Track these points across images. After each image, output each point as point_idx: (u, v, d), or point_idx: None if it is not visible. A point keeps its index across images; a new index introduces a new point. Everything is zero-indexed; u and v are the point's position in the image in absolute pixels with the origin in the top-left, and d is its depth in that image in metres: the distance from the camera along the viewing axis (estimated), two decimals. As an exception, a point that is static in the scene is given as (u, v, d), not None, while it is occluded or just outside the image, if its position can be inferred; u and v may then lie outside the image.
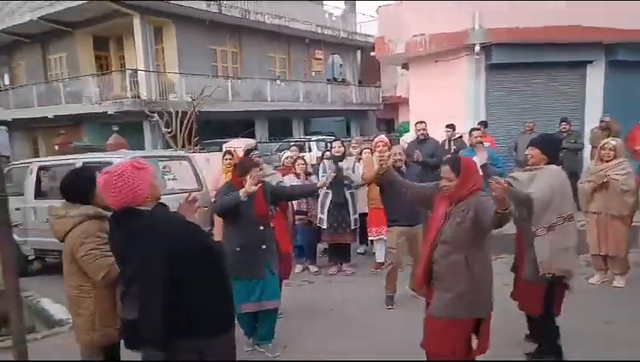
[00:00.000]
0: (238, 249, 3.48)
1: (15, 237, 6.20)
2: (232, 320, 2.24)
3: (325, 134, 18.06)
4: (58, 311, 4.49)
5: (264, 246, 3.54)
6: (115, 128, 13.21)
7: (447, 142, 7.79)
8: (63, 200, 2.58)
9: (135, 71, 15.36)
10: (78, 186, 2.53)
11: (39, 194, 6.09)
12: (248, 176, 3.40)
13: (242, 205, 3.45)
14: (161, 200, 2.20)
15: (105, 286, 2.45)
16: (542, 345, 3.39)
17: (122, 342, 2.23)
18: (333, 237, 5.90)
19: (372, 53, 10.76)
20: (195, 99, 13.01)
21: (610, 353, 3.40)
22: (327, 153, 6.47)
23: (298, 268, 6.15)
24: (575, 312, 3.65)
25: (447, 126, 7.82)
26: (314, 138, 15.89)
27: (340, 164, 5.87)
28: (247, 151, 5.00)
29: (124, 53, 17.71)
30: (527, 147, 3.54)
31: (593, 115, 8.63)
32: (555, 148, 3.57)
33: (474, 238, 2.58)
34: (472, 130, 6.24)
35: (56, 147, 14.15)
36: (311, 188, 4.52)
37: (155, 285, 1.95)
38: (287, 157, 6.33)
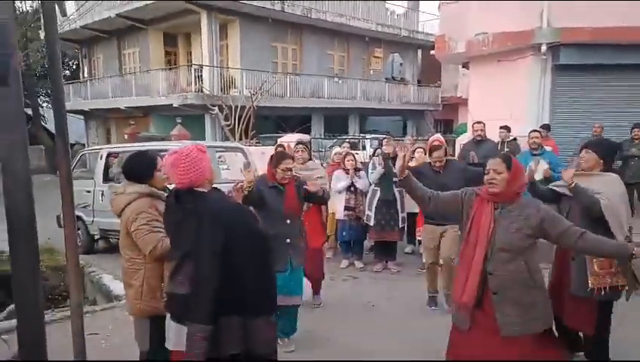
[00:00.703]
0: None
1: (84, 217, 6.76)
2: (274, 302, 2.33)
3: (381, 133, 17.98)
4: (117, 287, 4.82)
5: (288, 241, 3.57)
6: (179, 120, 13.91)
7: (500, 143, 7.53)
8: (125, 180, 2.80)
9: (200, 66, 16.05)
10: (138, 167, 2.74)
11: (107, 178, 6.57)
12: (279, 168, 3.52)
13: (270, 198, 3.52)
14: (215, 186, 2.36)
15: (153, 260, 2.62)
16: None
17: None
18: (380, 235, 5.89)
19: (432, 52, 10.57)
20: (253, 94, 13.39)
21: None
22: (378, 150, 6.45)
23: (344, 263, 6.21)
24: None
25: (502, 127, 7.54)
26: (368, 136, 15.88)
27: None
28: (296, 144, 5.09)
29: (192, 49, 18.54)
30: (582, 149, 3.29)
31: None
32: (612, 152, 3.32)
33: (531, 245, 2.43)
34: (531, 132, 5.99)
35: (126, 136, 15.13)
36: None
37: (210, 263, 2.09)
38: (336, 153, 6.38)
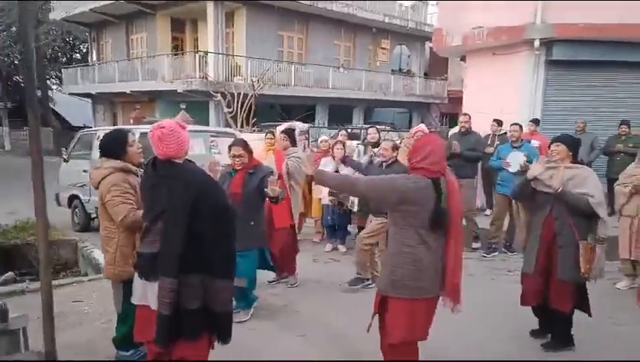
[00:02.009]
0: None
1: (81, 196, 7.04)
2: (232, 269, 2.55)
3: (386, 125, 18.07)
4: (106, 260, 5.09)
5: None
6: (183, 106, 14.16)
7: (491, 136, 7.66)
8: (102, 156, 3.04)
9: (205, 53, 16.24)
10: (111, 144, 2.99)
11: (103, 158, 6.83)
12: (229, 154, 3.80)
13: (223, 183, 3.74)
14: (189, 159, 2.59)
15: (124, 229, 2.88)
16: (555, 336, 3.54)
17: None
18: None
19: (430, 45, 10.65)
20: (255, 82, 13.56)
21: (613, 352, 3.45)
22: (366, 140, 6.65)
23: (328, 246, 6.46)
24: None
25: (494, 120, 7.67)
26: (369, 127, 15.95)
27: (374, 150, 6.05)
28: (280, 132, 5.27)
29: (198, 36, 18.73)
30: (551, 143, 3.61)
31: (664, 121, 8.05)
32: (577, 146, 3.63)
33: (395, 218, 2.72)
34: (512, 125, 6.14)
35: (131, 120, 15.43)
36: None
37: (179, 223, 2.34)
38: (322, 141, 6.57)
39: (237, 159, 3.82)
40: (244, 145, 3.91)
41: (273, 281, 4.91)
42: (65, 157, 7.46)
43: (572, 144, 3.55)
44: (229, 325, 2.49)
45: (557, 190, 3.35)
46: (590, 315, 3.49)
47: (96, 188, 2.97)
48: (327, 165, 6.29)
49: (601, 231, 3.32)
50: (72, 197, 7.19)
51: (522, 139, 6.25)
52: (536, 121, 7.94)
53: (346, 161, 6.16)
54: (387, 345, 2.72)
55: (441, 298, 2.69)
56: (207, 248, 2.38)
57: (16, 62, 25.17)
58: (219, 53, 16.28)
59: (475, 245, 6.49)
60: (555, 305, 3.43)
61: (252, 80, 13.57)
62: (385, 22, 20.61)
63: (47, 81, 26.53)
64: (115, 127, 9.17)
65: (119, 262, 2.92)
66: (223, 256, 2.45)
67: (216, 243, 2.41)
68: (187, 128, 2.54)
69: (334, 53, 20.19)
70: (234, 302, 4.02)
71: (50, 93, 25.61)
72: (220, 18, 16.43)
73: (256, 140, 7.73)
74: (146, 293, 2.44)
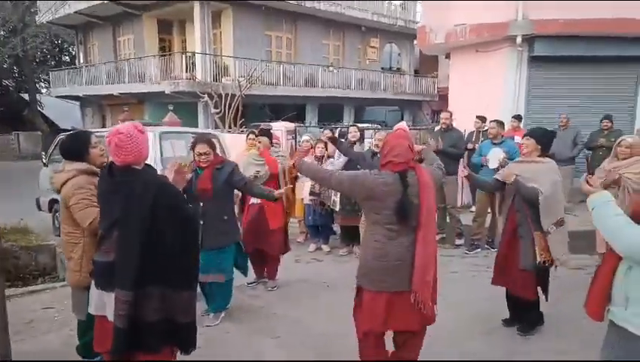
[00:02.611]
0: None
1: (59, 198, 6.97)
2: (195, 280, 2.51)
3: (378, 123, 18.06)
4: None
5: (201, 222, 3.64)
6: (171, 107, 14.07)
7: (475, 133, 7.66)
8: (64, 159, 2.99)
9: (192, 54, 16.16)
10: (73, 146, 2.93)
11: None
12: (194, 152, 3.81)
13: (190, 182, 3.67)
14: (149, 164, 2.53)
15: (91, 234, 2.80)
16: (525, 320, 3.73)
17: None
18: (346, 219, 6.07)
19: (415, 42, 10.65)
20: (241, 82, 13.51)
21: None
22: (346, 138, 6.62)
23: (311, 246, 6.42)
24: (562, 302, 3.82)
25: (477, 117, 7.68)
26: (361, 125, 15.93)
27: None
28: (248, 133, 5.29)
29: (186, 37, 18.63)
30: (523, 137, 3.80)
31: (646, 115, 8.11)
32: (549, 140, 3.70)
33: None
34: (491, 122, 6.15)
35: (119, 122, 15.35)
36: (267, 195, 4.06)
37: (134, 233, 2.25)
38: (303, 141, 6.54)
39: (202, 157, 3.78)
40: (209, 142, 3.89)
41: (253, 283, 4.88)
42: (44, 161, 7.38)
43: (541, 137, 3.63)
44: (193, 335, 2.44)
45: (510, 179, 3.58)
46: (547, 299, 3.69)
47: (59, 191, 2.91)
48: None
49: (545, 225, 3.45)
50: (53, 202, 7.11)
51: (503, 136, 6.25)
52: (518, 117, 7.95)
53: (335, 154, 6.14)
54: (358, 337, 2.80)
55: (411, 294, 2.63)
56: (167, 259, 2.30)
57: (4, 65, 25.02)
58: (206, 54, 16.20)
59: (458, 242, 6.49)
60: (518, 292, 3.65)
61: (238, 80, 13.51)
62: (374, 20, 20.60)
63: (37, 85, 26.36)
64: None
65: (85, 268, 2.85)
66: (185, 267, 2.38)
67: (177, 253, 2.33)
68: (145, 131, 2.48)
69: (323, 52, 20.16)
70: (205, 306, 4.04)
71: (38, 96, 25.38)
72: (207, 18, 16.35)
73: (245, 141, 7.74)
74: (104, 303, 2.40)
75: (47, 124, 24.40)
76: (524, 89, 8.57)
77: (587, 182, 2.16)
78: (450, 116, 6.68)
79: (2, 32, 24.44)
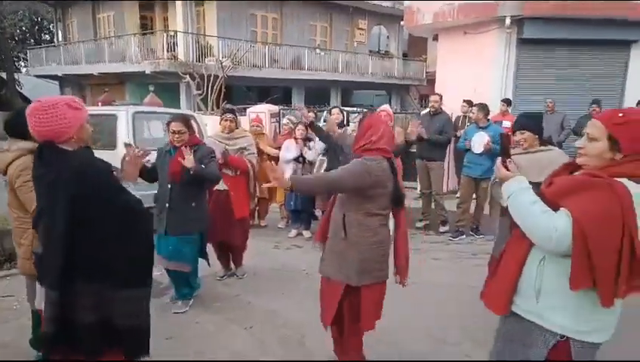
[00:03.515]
0: (155, 202, 3.70)
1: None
2: (143, 276, 2.19)
3: (365, 107, 17.81)
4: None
5: (167, 205, 3.57)
6: (151, 88, 13.65)
7: (462, 118, 7.50)
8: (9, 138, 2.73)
9: (175, 33, 15.67)
10: (18, 124, 2.65)
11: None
12: (169, 130, 3.59)
13: (162, 160, 3.57)
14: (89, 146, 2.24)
15: None
16: None
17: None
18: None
19: (401, 23, 10.38)
20: (226, 63, 13.16)
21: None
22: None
23: (292, 232, 6.24)
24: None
25: (465, 101, 7.50)
26: (347, 109, 15.71)
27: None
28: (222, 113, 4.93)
29: (168, 15, 18.07)
30: (515, 132, 3.42)
31: (634, 99, 7.97)
32: (539, 123, 3.42)
33: (349, 198, 2.57)
34: (474, 105, 5.98)
35: (99, 104, 14.87)
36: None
37: (59, 225, 1.97)
38: (286, 123, 6.31)
39: (177, 135, 3.55)
40: (185, 121, 3.66)
41: (224, 276, 4.59)
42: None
43: (535, 126, 3.34)
44: (142, 340, 2.18)
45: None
46: None
47: (4, 173, 2.66)
48: (290, 148, 6.06)
49: None
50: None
51: (489, 120, 6.08)
52: (507, 101, 7.79)
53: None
54: (353, 333, 2.67)
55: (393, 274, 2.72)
56: (100, 253, 2.02)
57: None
58: (188, 33, 15.73)
59: (442, 229, 6.36)
60: None
61: (220, 61, 13.13)
62: (362, 1, 20.18)
63: (16, 64, 25.52)
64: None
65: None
66: (129, 262, 2.09)
67: (113, 247, 2.05)
68: (82, 108, 2.16)
69: (310, 34, 19.74)
70: (174, 293, 3.86)
71: (17, 75, 24.57)
72: (190, -4, 15.86)
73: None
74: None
75: (26, 105, 23.65)
76: (513, 72, 8.38)
77: (504, 166, 1.88)
78: (440, 99, 6.47)
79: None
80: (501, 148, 1.98)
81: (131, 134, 5.81)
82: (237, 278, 4.57)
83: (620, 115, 1.65)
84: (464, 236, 6.09)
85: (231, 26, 16.54)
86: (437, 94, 6.69)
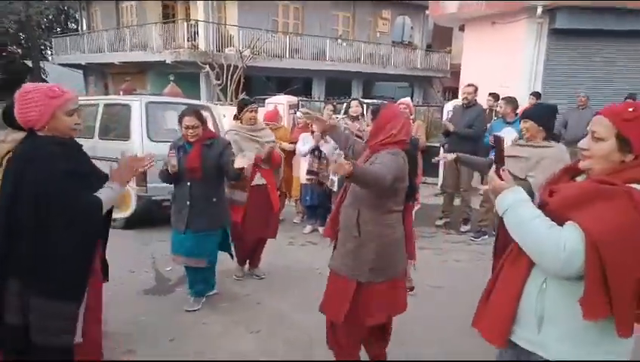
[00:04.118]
0: (173, 200, 3.58)
1: None
2: (73, 288, 1.98)
3: (387, 99, 17.48)
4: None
5: (188, 203, 3.44)
6: (172, 78, 13.61)
7: (487, 111, 7.16)
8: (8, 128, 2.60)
9: (196, 22, 15.58)
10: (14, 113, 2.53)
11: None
12: (182, 125, 3.45)
13: (179, 156, 3.43)
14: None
15: None
16: None
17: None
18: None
19: (426, 12, 10.02)
20: (245, 53, 13.00)
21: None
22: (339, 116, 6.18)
23: (307, 228, 6.07)
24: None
25: (490, 94, 7.16)
26: (367, 101, 15.42)
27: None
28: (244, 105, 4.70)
29: (190, 4, 17.99)
30: (521, 120, 3.26)
31: (673, 95, 7.51)
32: (550, 117, 3.13)
33: (368, 195, 2.41)
34: (502, 99, 5.65)
35: (121, 93, 14.93)
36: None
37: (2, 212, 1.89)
38: (300, 117, 6.10)
39: (191, 130, 3.40)
40: (198, 114, 3.50)
41: (243, 276, 4.39)
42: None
43: (541, 117, 3.05)
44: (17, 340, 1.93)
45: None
46: None
47: (0, 165, 2.54)
48: (306, 141, 5.86)
49: None
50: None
51: (517, 114, 5.75)
52: (536, 95, 7.43)
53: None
54: (365, 326, 2.55)
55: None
56: (26, 247, 1.87)
57: (10, 31, 24.52)
58: (209, 22, 15.62)
59: (463, 228, 6.10)
60: None
61: (239, 51, 12.97)
62: (385, -10, 19.76)
63: (42, 52, 25.90)
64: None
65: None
66: (61, 270, 1.90)
67: (52, 251, 1.89)
68: (60, 98, 2.00)
69: (332, 23, 19.43)
70: (187, 289, 3.73)
71: (42, 63, 24.95)
72: (211, -15, 15.73)
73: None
74: None
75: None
76: (543, 64, 7.98)
77: (498, 174, 1.60)
78: (474, 91, 6.12)
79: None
80: (495, 153, 1.73)
81: (144, 124, 5.68)
82: (256, 279, 4.36)
83: (631, 109, 1.39)
84: (487, 236, 5.80)
85: (252, 16, 16.37)
86: (472, 85, 6.33)
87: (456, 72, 21.41)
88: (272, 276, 4.45)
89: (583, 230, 1.32)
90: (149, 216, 5.76)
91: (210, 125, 6.52)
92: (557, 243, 1.35)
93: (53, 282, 1.90)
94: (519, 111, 5.93)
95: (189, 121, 3.40)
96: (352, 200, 2.46)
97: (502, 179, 1.58)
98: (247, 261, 4.45)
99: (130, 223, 5.64)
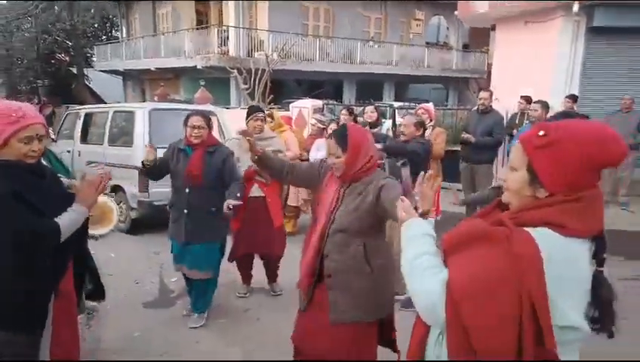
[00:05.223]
0: (170, 207, 3.45)
1: (63, 179, 6.79)
2: (23, 321, 1.85)
3: (421, 101, 17.02)
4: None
5: (185, 211, 3.31)
6: (202, 83, 13.79)
7: (519, 115, 6.77)
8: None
9: (226, 27, 15.74)
10: None
11: (85, 138, 6.53)
12: (187, 126, 3.35)
13: (176, 162, 3.32)
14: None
15: None
16: None
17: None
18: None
19: (455, 13, 9.65)
20: (272, 57, 12.99)
21: None
22: (360, 119, 5.96)
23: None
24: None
25: (522, 97, 6.77)
26: (396, 104, 15.05)
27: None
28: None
29: (222, 10, 18.22)
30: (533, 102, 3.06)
31: None
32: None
33: (372, 225, 2.17)
34: (534, 102, 5.30)
35: (155, 98, 15.27)
36: (237, 193, 3.30)
37: None
38: (314, 123, 5.94)
39: (196, 131, 3.28)
40: (205, 116, 3.40)
41: (245, 294, 4.15)
42: (53, 137, 7.21)
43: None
44: None
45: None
46: None
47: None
48: (321, 148, 5.68)
49: None
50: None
51: (547, 119, 5.37)
52: (573, 97, 6.95)
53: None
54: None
55: None
56: None
57: (58, 39, 25.67)
58: (238, 27, 15.73)
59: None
60: None
61: (266, 55, 12.96)
62: (419, -10, 19.32)
63: (88, 59, 26.96)
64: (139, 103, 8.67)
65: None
66: (12, 300, 1.80)
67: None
68: (16, 123, 1.83)
69: (363, 25, 19.17)
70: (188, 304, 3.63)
71: (86, 70, 25.97)
72: (242, -10, 15.85)
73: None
74: None
75: (94, 98, 25.01)
76: (580, 65, 7.47)
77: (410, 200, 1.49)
78: (490, 96, 5.86)
79: (56, 8, 25.01)
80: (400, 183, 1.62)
81: (147, 131, 5.77)
82: (274, 295, 4.18)
83: (541, 133, 1.13)
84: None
85: (283, 20, 16.36)
86: (488, 90, 6.12)
87: (494, 73, 20.79)
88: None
89: (448, 279, 1.15)
90: (156, 221, 5.80)
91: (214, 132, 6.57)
92: (429, 289, 1.19)
93: (15, 315, 1.81)
94: (550, 115, 5.56)
95: (195, 120, 3.30)
96: (350, 235, 2.15)
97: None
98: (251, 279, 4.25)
99: (135, 228, 5.83)
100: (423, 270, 1.23)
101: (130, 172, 5.52)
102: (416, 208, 1.54)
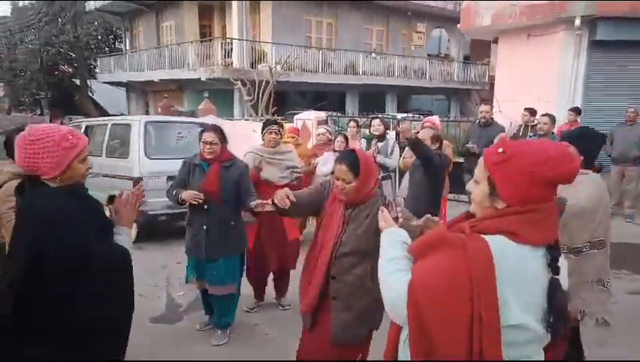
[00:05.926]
0: (188, 224, 3.42)
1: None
2: (109, 347, 1.80)
3: (424, 113, 17.10)
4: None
5: (204, 227, 3.30)
6: (206, 95, 13.88)
7: (522, 127, 6.79)
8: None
9: (230, 40, 15.87)
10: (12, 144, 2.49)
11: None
12: (201, 141, 3.32)
13: (193, 178, 3.31)
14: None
15: None
16: None
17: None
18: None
19: (458, 26, 9.73)
20: (275, 69, 13.08)
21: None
22: (366, 131, 5.99)
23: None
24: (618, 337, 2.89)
25: (526, 110, 6.80)
26: (399, 115, 15.11)
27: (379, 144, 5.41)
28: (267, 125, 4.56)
29: (226, 23, 18.39)
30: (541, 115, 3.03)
31: None
32: (594, 146, 2.72)
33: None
34: (542, 116, 5.33)
35: (159, 110, 15.36)
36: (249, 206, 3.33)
37: (16, 269, 1.67)
38: (319, 135, 5.96)
39: (208, 146, 3.28)
40: (219, 132, 3.39)
41: (253, 309, 4.14)
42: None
43: (585, 145, 2.58)
44: None
45: None
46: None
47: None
48: (327, 161, 5.70)
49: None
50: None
51: (553, 132, 5.41)
52: (576, 110, 7.00)
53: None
54: None
55: None
56: (65, 314, 1.69)
57: (61, 51, 25.87)
58: (242, 40, 15.86)
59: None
60: None
61: (270, 67, 13.06)
62: (421, 4, 19.47)
63: (91, 71, 27.15)
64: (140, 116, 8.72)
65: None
66: (98, 327, 1.76)
67: (82, 308, 1.71)
68: (77, 146, 1.80)
69: (366, 38, 19.33)
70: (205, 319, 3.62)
71: (89, 82, 26.14)
72: (245, 4, 15.98)
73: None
74: None
75: (97, 110, 25.14)
76: (583, 78, 7.52)
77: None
78: (491, 109, 5.93)
79: (60, 20, 25.26)
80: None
81: (142, 143, 5.87)
82: (282, 309, 4.16)
83: (500, 150, 1.24)
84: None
85: (285, 32, 16.51)
86: (488, 104, 6.17)
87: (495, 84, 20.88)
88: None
89: (410, 280, 1.28)
90: (159, 231, 5.83)
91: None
92: (395, 290, 1.32)
93: (99, 342, 1.75)
94: (556, 129, 5.60)
95: (208, 136, 3.30)
96: (357, 258, 2.18)
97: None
98: (264, 294, 4.22)
99: (139, 241, 5.71)
100: (392, 272, 1.36)
101: (126, 183, 5.57)
102: (396, 219, 1.68)
